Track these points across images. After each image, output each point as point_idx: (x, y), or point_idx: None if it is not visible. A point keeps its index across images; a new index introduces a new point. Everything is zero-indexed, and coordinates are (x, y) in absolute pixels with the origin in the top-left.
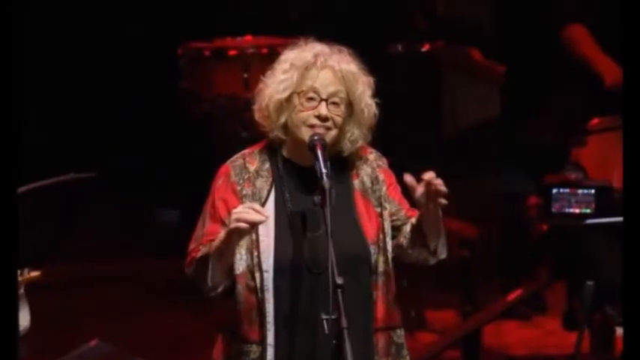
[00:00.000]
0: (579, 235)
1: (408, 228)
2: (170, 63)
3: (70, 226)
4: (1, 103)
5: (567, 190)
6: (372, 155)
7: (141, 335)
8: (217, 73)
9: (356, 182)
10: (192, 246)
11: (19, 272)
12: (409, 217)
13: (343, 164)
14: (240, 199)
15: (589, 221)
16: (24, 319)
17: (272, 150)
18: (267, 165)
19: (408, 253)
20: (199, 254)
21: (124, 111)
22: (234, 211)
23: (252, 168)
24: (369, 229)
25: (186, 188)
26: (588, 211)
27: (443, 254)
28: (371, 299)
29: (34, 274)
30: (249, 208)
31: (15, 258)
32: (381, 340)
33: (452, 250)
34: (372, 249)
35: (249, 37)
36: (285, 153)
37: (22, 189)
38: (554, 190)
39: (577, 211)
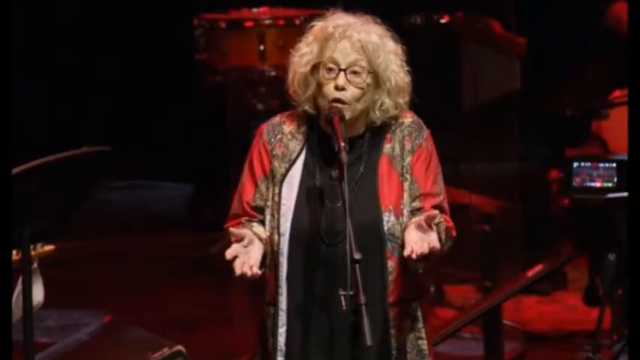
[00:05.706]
0: (601, 210)
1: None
2: (185, 34)
3: (83, 200)
4: None
5: (588, 164)
6: (409, 120)
7: (154, 312)
8: (233, 45)
9: (387, 147)
10: (233, 205)
11: (32, 247)
12: (421, 209)
13: (379, 130)
14: (271, 158)
15: (611, 195)
16: (38, 293)
17: (310, 116)
18: (303, 128)
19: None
20: (230, 235)
21: (138, 83)
22: (231, 251)
23: (287, 129)
24: (386, 196)
25: (199, 163)
26: (610, 185)
27: (448, 244)
28: (385, 269)
29: (48, 248)
30: (242, 262)
31: (8, 241)
32: (394, 312)
33: (472, 224)
34: (386, 216)
35: (265, 9)
36: (320, 123)
37: (35, 162)
38: (575, 164)
39: (598, 185)
